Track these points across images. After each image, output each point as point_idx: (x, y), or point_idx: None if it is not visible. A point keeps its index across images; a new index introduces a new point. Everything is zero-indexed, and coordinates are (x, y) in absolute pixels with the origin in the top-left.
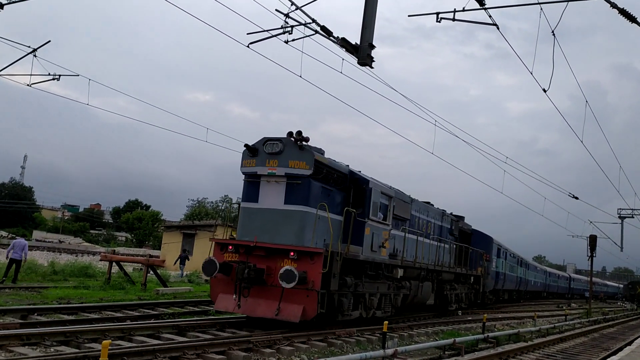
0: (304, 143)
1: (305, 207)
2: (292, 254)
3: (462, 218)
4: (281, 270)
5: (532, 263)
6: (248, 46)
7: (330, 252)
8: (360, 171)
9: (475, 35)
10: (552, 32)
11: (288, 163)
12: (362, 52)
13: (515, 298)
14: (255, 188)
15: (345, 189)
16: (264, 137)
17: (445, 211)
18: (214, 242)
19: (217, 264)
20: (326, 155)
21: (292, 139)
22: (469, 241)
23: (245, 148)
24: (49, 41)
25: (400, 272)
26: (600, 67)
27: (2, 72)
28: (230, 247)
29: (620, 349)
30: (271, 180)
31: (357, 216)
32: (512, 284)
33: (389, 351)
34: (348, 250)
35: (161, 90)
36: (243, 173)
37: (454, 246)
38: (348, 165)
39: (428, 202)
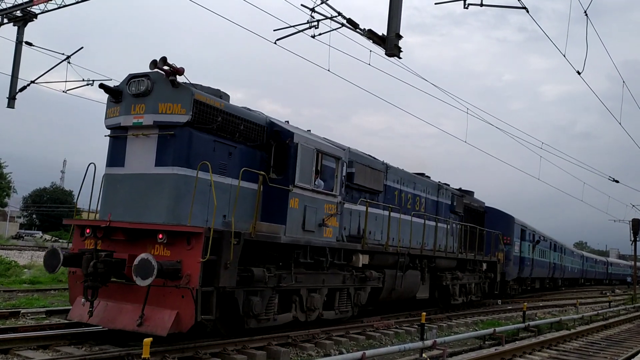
0: (176, 77)
1: (181, 169)
2: (160, 236)
3: (469, 193)
4: (135, 261)
5: (568, 247)
6: (275, 42)
7: (220, 233)
8: (287, 122)
9: (507, 18)
10: (585, 12)
11: (157, 107)
12: (390, 43)
13: (548, 286)
14: (121, 146)
15: (264, 147)
16: (130, 74)
17: (443, 184)
18: (73, 226)
19: (61, 256)
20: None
21: (161, 71)
22: (481, 221)
23: (105, 92)
24: (82, 47)
25: (363, 259)
26: (639, 44)
27: (39, 80)
28: (88, 230)
29: None
30: (139, 134)
31: (277, 182)
32: (544, 271)
33: (428, 342)
34: (254, 229)
35: None
36: (107, 127)
37: (458, 227)
38: (278, 120)
39: (421, 174)
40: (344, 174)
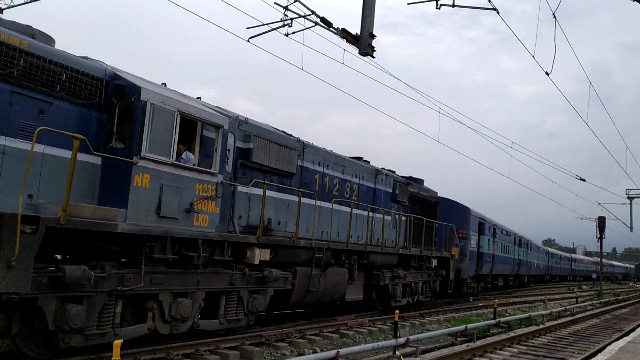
0: None
1: None
2: None
3: (418, 181)
4: None
5: (534, 243)
6: (248, 40)
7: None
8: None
9: (479, 19)
10: (553, 14)
11: None
12: (363, 42)
13: (513, 284)
14: None
15: (105, 107)
16: None
17: (381, 169)
18: None
19: None
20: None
21: None
22: (432, 213)
23: None
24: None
25: (261, 255)
26: (606, 46)
27: None
28: None
29: (633, 330)
30: None
31: (118, 153)
32: (507, 268)
33: (401, 340)
34: (65, 213)
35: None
36: None
37: (402, 218)
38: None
39: (358, 158)
40: (230, 148)
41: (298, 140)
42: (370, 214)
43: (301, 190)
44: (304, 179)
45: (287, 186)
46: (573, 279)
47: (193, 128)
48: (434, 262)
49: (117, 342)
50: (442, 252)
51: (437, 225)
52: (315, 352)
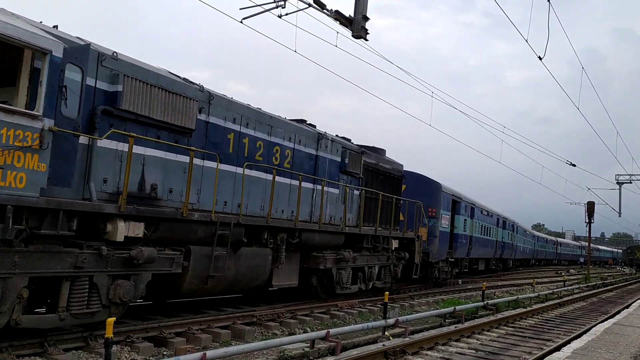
0: None
1: None
2: None
3: (378, 151)
4: None
5: (521, 225)
6: (241, 21)
7: None
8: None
9: (474, 2)
10: None
11: None
12: (356, 25)
13: (495, 268)
14: None
15: None
16: None
17: (325, 133)
18: None
19: None
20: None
21: None
22: (395, 188)
23: None
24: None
25: (129, 230)
26: (600, 32)
27: None
28: None
29: (618, 312)
30: None
31: None
32: (489, 251)
33: (391, 321)
34: None
35: None
36: None
37: (353, 192)
38: None
39: (301, 121)
40: (75, 86)
41: (201, 88)
42: (310, 185)
43: (194, 149)
44: (212, 138)
45: (184, 146)
46: (558, 262)
47: (19, 56)
48: (394, 244)
49: (110, 320)
50: (404, 232)
51: (400, 202)
52: (306, 332)
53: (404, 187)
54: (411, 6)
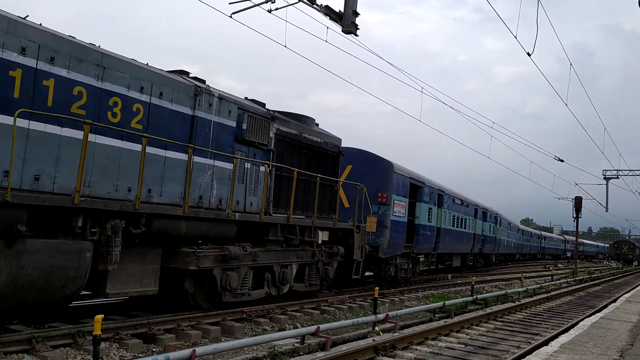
0: None
1: None
2: None
3: (303, 119)
4: None
5: (505, 218)
6: (231, 16)
7: None
8: None
9: None
10: None
11: None
12: (347, 20)
13: (474, 264)
14: None
15: None
16: None
17: (207, 87)
18: None
19: None
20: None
21: None
22: (329, 167)
23: None
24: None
25: None
26: (588, 28)
27: None
28: None
29: (606, 306)
30: None
31: None
32: (464, 245)
33: (381, 316)
34: None
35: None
36: None
37: (258, 169)
38: None
39: (181, 72)
40: None
41: None
42: (182, 156)
43: None
44: None
45: None
46: (542, 257)
47: None
48: (322, 236)
49: (98, 317)
50: (335, 222)
51: (335, 184)
52: (296, 327)
53: (349, 167)
54: (402, 1)
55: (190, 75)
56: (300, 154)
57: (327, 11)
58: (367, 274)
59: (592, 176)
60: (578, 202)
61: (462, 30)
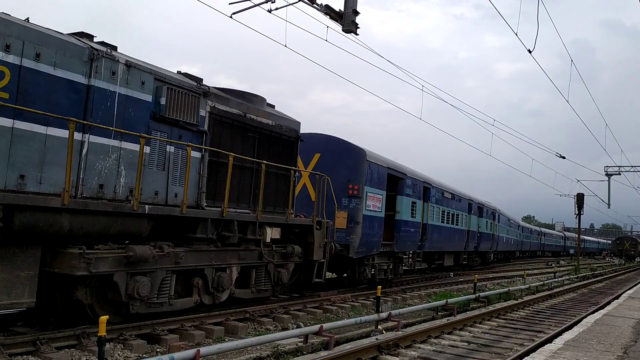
0: None
1: None
2: None
3: (248, 98)
4: None
5: (504, 214)
6: (231, 16)
7: None
8: None
9: None
10: None
11: None
12: (347, 19)
13: (471, 263)
14: None
15: None
16: None
17: (109, 52)
18: None
19: None
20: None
21: None
22: (284, 154)
23: None
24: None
25: None
26: (589, 24)
27: None
28: None
29: (609, 303)
30: None
31: None
32: (455, 243)
33: (383, 315)
34: None
35: None
36: None
37: (183, 153)
38: None
39: (81, 34)
40: None
41: None
42: (67, 133)
43: None
44: None
45: None
46: (542, 254)
47: None
48: (271, 233)
49: (103, 318)
50: (288, 217)
51: (292, 173)
52: (299, 326)
53: (317, 155)
54: None
55: (97, 40)
56: (244, 137)
57: (327, 10)
58: (336, 275)
59: (594, 172)
60: (580, 199)
61: (462, 27)
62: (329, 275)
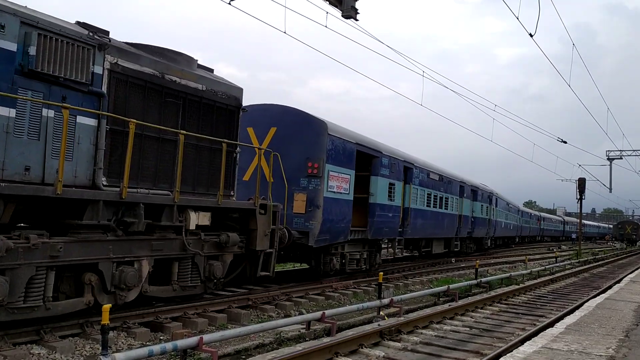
0: None
1: None
2: None
3: (170, 57)
4: None
5: (502, 198)
6: (230, 3)
7: None
8: None
9: None
10: None
11: None
12: (346, 4)
13: (464, 250)
14: None
15: None
16: None
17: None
18: None
19: None
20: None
21: None
22: (222, 125)
23: None
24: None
25: None
26: (591, 7)
27: None
28: None
29: (610, 287)
30: None
31: None
32: (444, 229)
33: (385, 301)
34: None
35: None
36: None
37: (76, 121)
38: None
39: None
40: None
41: None
42: None
43: None
44: None
45: None
46: (541, 239)
47: None
48: (196, 219)
49: (106, 307)
50: (219, 199)
51: (233, 148)
52: (301, 313)
53: (272, 130)
54: None
55: None
56: (163, 103)
57: None
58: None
59: (596, 157)
60: (581, 184)
61: (463, 11)
62: (298, 266)
